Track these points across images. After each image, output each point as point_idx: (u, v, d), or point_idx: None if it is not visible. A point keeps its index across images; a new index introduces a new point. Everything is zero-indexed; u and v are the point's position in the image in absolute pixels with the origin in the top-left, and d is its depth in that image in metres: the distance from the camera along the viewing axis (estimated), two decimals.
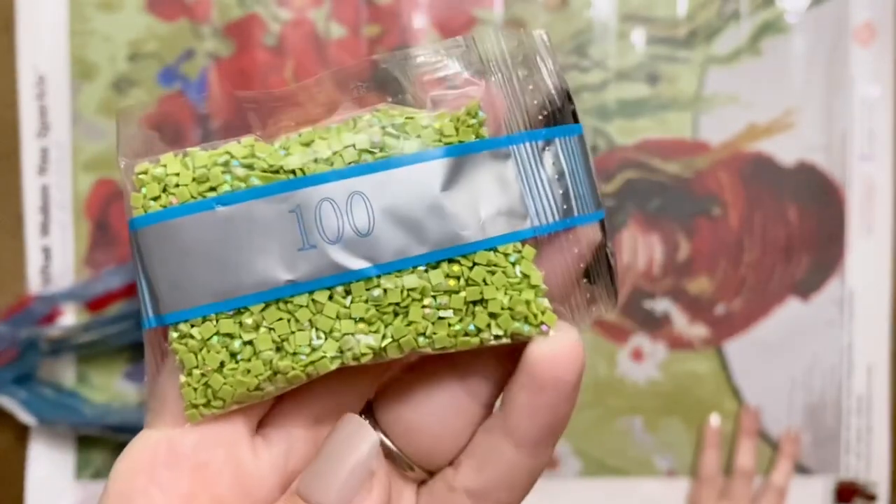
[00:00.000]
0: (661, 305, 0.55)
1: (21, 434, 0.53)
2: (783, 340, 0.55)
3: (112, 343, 0.52)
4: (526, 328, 0.19)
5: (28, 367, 0.51)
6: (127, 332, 0.51)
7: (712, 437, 0.54)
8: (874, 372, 0.55)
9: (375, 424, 0.21)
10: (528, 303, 0.19)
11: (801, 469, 0.55)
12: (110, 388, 0.53)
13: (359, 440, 0.19)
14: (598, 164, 0.54)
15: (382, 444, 0.21)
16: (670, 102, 0.54)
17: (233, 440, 0.19)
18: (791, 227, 0.55)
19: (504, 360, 0.20)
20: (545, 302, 0.19)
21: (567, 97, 0.20)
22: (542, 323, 0.19)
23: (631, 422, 0.55)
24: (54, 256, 0.53)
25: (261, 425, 0.20)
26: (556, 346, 0.19)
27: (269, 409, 0.20)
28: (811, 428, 0.55)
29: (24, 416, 0.50)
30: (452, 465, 0.21)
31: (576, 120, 0.20)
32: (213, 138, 0.20)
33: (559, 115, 0.20)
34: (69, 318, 0.52)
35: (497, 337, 0.19)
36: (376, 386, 0.21)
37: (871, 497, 0.55)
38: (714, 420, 0.55)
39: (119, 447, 0.53)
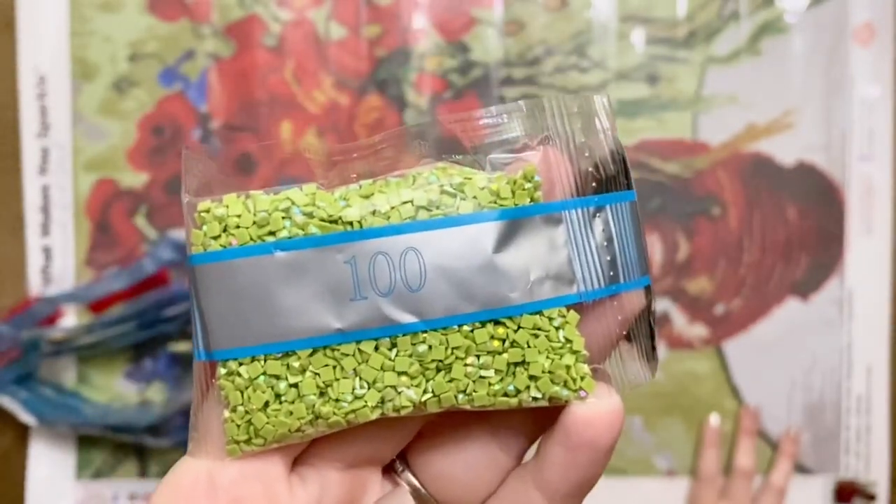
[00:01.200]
0: (660, 305, 0.55)
1: (22, 434, 0.53)
2: (783, 340, 0.55)
3: (113, 344, 0.52)
4: (564, 392, 0.19)
5: (29, 367, 0.51)
6: (128, 333, 0.51)
7: (712, 436, 0.54)
8: (873, 372, 0.56)
9: (407, 466, 0.21)
10: (568, 368, 0.19)
11: (801, 469, 0.55)
12: (111, 389, 0.53)
13: None
14: None
15: (412, 486, 0.21)
16: (670, 102, 0.55)
17: (270, 477, 0.20)
18: (790, 227, 0.55)
19: (537, 415, 0.21)
20: (585, 368, 0.19)
21: (622, 163, 0.20)
22: (580, 388, 0.19)
23: (630, 421, 0.55)
24: (55, 256, 0.53)
25: (296, 462, 0.21)
26: (595, 411, 0.19)
27: (306, 447, 0.21)
28: (811, 428, 0.55)
29: (25, 416, 0.50)
30: None
31: (629, 186, 0.20)
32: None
33: (612, 181, 0.20)
34: (70, 319, 0.52)
35: (535, 399, 0.19)
36: (411, 437, 0.21)
37: (871, 497, 0.55)
38: (713, 420, 0.55)
39: (119, 447, 0.53)
